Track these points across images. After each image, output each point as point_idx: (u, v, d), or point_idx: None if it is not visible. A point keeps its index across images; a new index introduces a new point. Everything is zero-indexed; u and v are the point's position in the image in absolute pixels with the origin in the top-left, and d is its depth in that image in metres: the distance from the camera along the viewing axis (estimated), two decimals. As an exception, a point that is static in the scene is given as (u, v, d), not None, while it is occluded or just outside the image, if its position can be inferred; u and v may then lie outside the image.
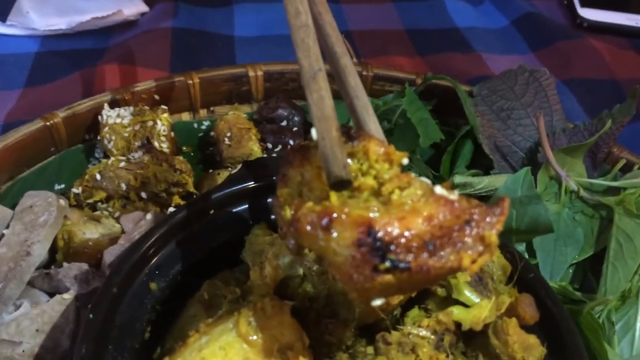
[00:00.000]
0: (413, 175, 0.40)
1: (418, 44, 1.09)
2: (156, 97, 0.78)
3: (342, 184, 0.36)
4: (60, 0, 1.02)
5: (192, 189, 0.66)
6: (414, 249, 0.35)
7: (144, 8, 1.06)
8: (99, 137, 0.71)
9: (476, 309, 0.46)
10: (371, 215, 0.36)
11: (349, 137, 0.41)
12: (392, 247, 0.34)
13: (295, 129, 0.78)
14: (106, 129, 0.70)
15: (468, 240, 0.36)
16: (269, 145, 0.75)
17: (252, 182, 0.57)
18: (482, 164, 0.74)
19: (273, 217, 0.57)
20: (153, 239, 0.51)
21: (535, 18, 1.14)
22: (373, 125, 0.42)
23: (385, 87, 0.85)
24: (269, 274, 0.50)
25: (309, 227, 0.36)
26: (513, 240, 0.60)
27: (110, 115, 0.70)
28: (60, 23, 0.98)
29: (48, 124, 0.71)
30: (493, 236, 0.36)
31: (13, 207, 0.64)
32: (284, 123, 0.79)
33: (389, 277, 0.34)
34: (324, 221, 0.35)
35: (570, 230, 0.64)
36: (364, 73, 0.85)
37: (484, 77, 0.99)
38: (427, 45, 1.08)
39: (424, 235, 0.36)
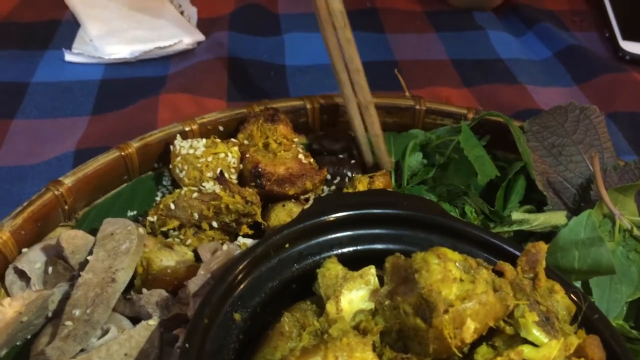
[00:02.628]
0: (294, 145, 0.77)
1: (463, 75, 1.12)
2: (220, 128, 0.82)
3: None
4: (123, 29, 1.07)
5: (260, 219, 0.70)
6: (272, 180, 0.72)
7: (201, 37, 1.11)
8: (170, 166, 0.75)
9: (546, 348, 0.49)
10: (260, 159, 0.73)
11: (273, 121, 0.79)
12: (261, 178, 0.72)
13: (353, 161, 0.81)
14: (178, 158, 0.74)
15: (299, 183, 0.73)
16: (328, 177, 0.78)
17: (323, 217, 0.60)
18: (533, 199, 0.76)
19: (342, 250, 0.61)
20: (236, 272, 0.54)
21: (578, 50, 1.16)
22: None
23: (437, 121, 0.88)
24: (344, 308, 0.53)
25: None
26: (572, 279, 0.62)
27: (183, 146, 0.73)
28: (124, 52, 1.03)
29: (123, 153, 0.75)
30: (310, 184, 0.73)
31: (90, 232, 0.68)
32: (343, 155, 0.82)
33: (256, 190, 0.71)
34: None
35: (624, 268, 0.66)
36: (417, 107, 0.88)
37: (530, 110, 1.02)
38: (473, 76, 1.11)
39: (279, 175, 0.72)
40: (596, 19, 1.29)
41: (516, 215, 0.66)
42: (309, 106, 0.87)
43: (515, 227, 0.65)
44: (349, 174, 0.79)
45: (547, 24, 1.24)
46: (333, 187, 0.78)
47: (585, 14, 1.32)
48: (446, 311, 0.48)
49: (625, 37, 1.19)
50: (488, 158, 0.74)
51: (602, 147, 0.80)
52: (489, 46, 1.20)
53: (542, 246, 0.54)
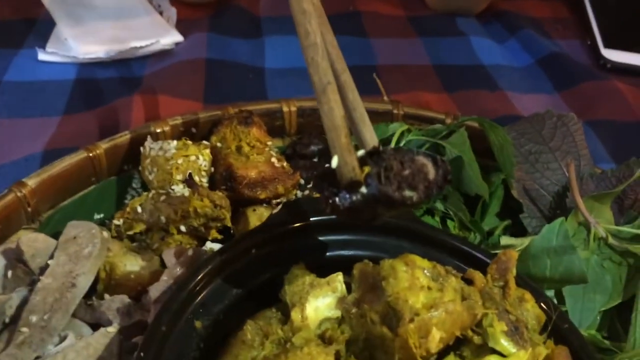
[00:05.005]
0: (267, 148, 0.75)
1: (445, 80, 1.11)
2: (193, 130, 0.80)
3: (352, 184, 0.45)
4: (99, 28, 1.05)
5: (229, 224, 0.68)
6: (243, 184, 0.70)
7: (179, 38, 1.09)
8: (140, 168, 0.73)
9: (514, 359, 0.48)
10: (232, 162, 0.71)
11: (246, 123, 0.76)
12: (233, 181, 0.69)
13: (327, 165, 0.79)
14: (148, 160, 0.72)
15: (271, 187, 0.70)
16: (302, 181, 0.77)
17: (292, 223, 0.59)
18: (510, 207, 0.76)
19: (310, 256, 0.60)
20: (199, 278, 0.52)
21: (560, 58, 1.16)
22: (368, 134, 0.50)
23: (414, 126, 0.87)
24: (310, 316, 0.52)
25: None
26: (544, 287, 0.61)
27: (153, 148, 0.72)
28: (99, 51, 1.01)
29: (91, 154, 0.73)
30: (282, 188, 0.71)
31: (54, 236, 0.66)
32: (317, 159, 0.81)
33: (227, 193, 0.68)
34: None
35: (598, 277, 0.65)
36: (395, 111, 0.87)
37: (511, 116, 1.01)
38: (454, 82, 1.10)
39: (251, 179, 0.70)
40: (578, 27, 1.29)
41: (504, 240, 0.66)
42: (285, 109, 0.86)
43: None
44: (324, 178, 0.77)
45: (529, 30, 1.24)
46: (306, 192, 0.76)
47: (567, 21, 1.32)
48: (412, 320, 0.46)
49: (607, 45, 1.19)
50: (478, 169, 0.73)
51: (579, 155, 0.79)
52: (471, 52, 1.20)
53: (513, 254, 0.52)
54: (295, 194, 0.76)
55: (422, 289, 0.48)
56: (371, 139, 0.49)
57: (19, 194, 0.68)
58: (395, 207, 0.45)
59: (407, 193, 0.45)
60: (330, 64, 0.50)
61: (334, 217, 0.59)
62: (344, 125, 0.46)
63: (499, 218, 0.75)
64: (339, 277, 0.54)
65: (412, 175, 0.45)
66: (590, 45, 1.22)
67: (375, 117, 0.86)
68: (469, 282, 0.52)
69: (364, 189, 0.44)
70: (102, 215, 0.73)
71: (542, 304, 0.52)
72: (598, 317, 0.64)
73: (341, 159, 0.45)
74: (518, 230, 0.73)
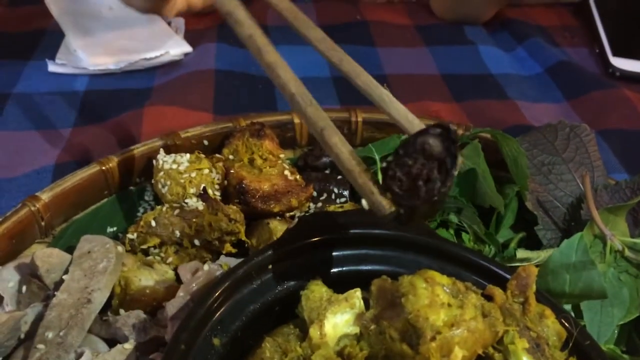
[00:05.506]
0: (279, 161, 0.75)
1: (453, 89, 1.11)
2: (205, 142, 0.80)
3: (387, 216, 0.46)
4: (108, 39, 1.06)
5: (244, 238, 0.68)
6: (256, 197, 0.69)
7: (188, 48, 1.09)
8: (153, 181, 0.73)
9: (536, 377, 0.47)
10: (245, 175, 0.71)
11: (259, 136, 0.76)
12: (246, 194, 0.69)
13: (339, 177, 0.79)
14: (161, 173, 0.72)
15: (284, 200, 0.70)
16: (315, 193, 0.77)
17: (308, 237, 0.59)
18: (523, 219, 0.75)
19: (327, 272, 0.59)
20: (216, 294, 0.52)
21: (569, 66, 1.16)
22: (395, 111, 0.52)
23: (426, 137, 0.87)
24: (328, 333, 0.51)
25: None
26: (562, 303, 0.60)
27: (166, 161, 0.72)
28: (109, 63, 1.01)
29: (104, 168, 0.73)
30: (295, 202, 0.71)
31: (67, 249, 0.66)
32: (329, 171, 0.80)
33: (240, 207, 0.68)
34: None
35: (616, 290, 0.65)
36: (406, 122, 0.86)
37: (521, 125, 1.01)
38: (463, 91, 1.10)
39: (265, 192, 0.70)
40: (586, 35, 1.29)
41: (521, 254, 0.66)
42: (296, 120, 0.85)
43: (517, 264, 0.64)
44: (336, 190, 0.77)
45: (537, 39, 1.23)
46: (319, 204, 0.76)
47: (575, 29, 1.32)
48: (433, 338, 0.46)
49: (616, 54, 1.19)
50: (493, 185, 0.72)
51: (592, 166, 0.78)
52: (479, 61, 1.19)
53: (533, 270, 0.52)
54: (308, 207, 0.75)
55: (442, 306, 0.48)
56: (400, 114, 0.51)
57: (32, 208, 0.68)
58: (432, 203, 0.45)
59: (429, 186, 0.44)
60: (327, 59, 0.50)
61: (349, 231, 0.60)
62: (357, 163, 0.47)
63: (512, 230, 0.74)
64: (357, 293, 0.53)
65: (422, 167, 0.45)
66: (598, 53, 1.22)
67: (387, 128, 0.87)
68: (489, 298, 0.52)
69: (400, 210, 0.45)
70: (115, 229, 0.73)
71: (562, 320, 0.52)
72: (616, 331, 0.63)
73: (367, 201, 0.46)
74: (532, 242, 0.72)
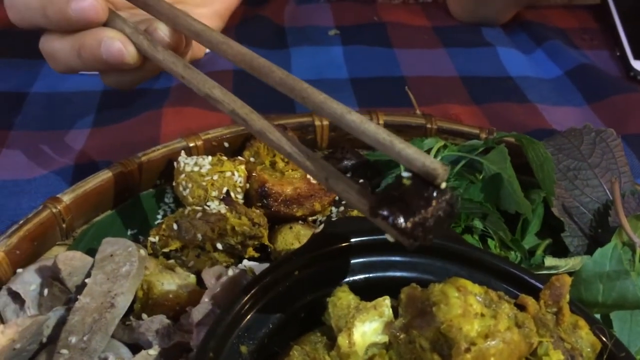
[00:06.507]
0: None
1: (473, 92, 1.09)
2: (226, 144, 0.79)
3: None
4: (126, 39, 1.05)
5: (267, 242, 0.67)
6: (279, 201, 0.69)
7: (206, 48, 1.08)
8: (174, 184, 0.72)
9: (571, 390, 0.46)
10: (267, 178, 0.70)
11: None
12: (268, 198, 0.69)
13: (361, 180, 0.78)
14: (182, 176, 0.71)
15: (307, 204, 0.70)
16: (337, 198, 0.76)
17: (334, 243, 0.58)
18: (548, 225, 0.74)
19: (354, 278, 0.58)
20: (243, 301, 0.51)
21: (589, 69, 1.14)
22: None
23: (448, 140, 0.86)
24: (357, 341, 0.50)
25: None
26: (594, 312, 0.59)
27: (187, 163, 0.71)
28: (126, 62, 1.00)
29: (125, 170, 0.72)
30: (318, 205, 0.71)
31: (88, 252, 0.66)
32: (350, 174, 0.79)
33: (262, 210, 0.69)
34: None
35: (646, 299, 0.63)
36: (428, 126, 0.85)
37: (542, 130, 0.99)
38: (482, 94, 1.09)
39: (287, 195, 0.69)
40: (606, 38, 1.27)
41: (549, 261, 0.65)
42: (317, 123, 0.85)
43: (545, 272, 0.63)
44: (358, 194, 0.76)
45: (556, 41, 1.22)
46: (341, 208, 0.75)
47: (595, 32, 1.30)
48: (468, 349, 0.45)
49: (637, 57, 1.17)
50: (520, 191, 0.71)
51: (619, 172, 0.77)
52: (498, 63, 1.18)
53: (567, 279, 0.51)
54: (331, 211, 0.75)
55: (476, 317, 0.47)
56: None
57: (54, 210, 0.67)
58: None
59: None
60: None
61: (377, 237, 0.59)
62: (363, 201, 0.45)
63: (537, 237, 0.73)
64: (386, 301, 0.52)
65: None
66: (619, 56, 1.20)
67: (409, 131, 0.86)
68: (521, 307, 0.50)
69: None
70: (135, 231, 0.73)
71: (596, 331, 0.51)
72: (645, 341, 0.62)
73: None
74: (559, 249, 0.71)
